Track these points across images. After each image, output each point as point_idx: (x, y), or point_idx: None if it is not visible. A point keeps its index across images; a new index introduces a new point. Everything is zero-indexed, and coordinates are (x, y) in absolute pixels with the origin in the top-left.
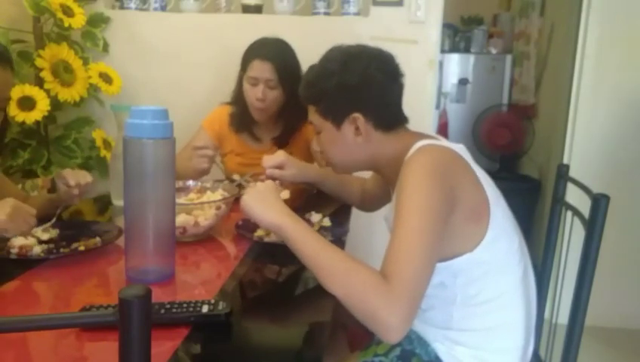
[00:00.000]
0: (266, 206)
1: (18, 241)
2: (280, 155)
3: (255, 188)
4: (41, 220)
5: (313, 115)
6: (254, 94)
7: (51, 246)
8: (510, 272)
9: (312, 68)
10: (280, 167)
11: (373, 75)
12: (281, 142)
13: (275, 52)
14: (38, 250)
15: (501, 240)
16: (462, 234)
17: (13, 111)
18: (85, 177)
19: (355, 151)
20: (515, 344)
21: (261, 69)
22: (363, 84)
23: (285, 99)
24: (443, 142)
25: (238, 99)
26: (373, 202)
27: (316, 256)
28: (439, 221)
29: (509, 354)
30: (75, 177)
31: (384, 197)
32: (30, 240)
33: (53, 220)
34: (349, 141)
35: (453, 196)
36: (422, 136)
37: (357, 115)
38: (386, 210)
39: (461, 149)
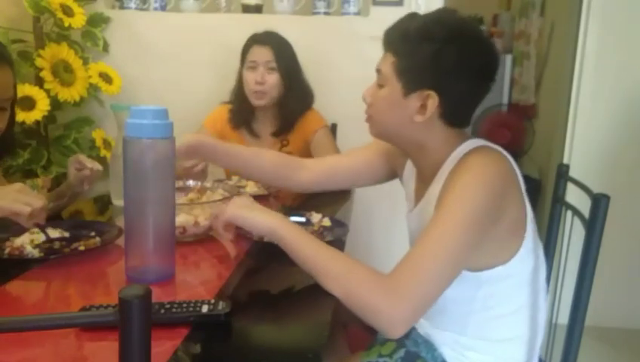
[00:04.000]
0: (258, 211)
1: (18, 241)
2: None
3: (234, 201)
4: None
5: (387, 66)
6: (254, 78)
7: (51, 245)
8: (532, 288)
9: (413, 18)
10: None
11: (472, 66)
12: (279, 138)
13: (272, 38)
14: (31, 250)
15: (531, 255)
16: (499, 246)
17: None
18: (96, 164)
19: (407, 126)
20: (521, 357)
21: (260, 53)
22: (458, 70)
23: (284, 90)
24: (494, 146)
25: (238, 95)
26: (335, 179)
27: (313, 257)
28: (478, 231)
29: None
30: (91, 162)
31: (356, 179)
32: (24, 240)
33: (65, 199)
34: (406, 113)
35: (501, 206)
36: (471, 136)
37: (433, 93)
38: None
39: (511, 158)
